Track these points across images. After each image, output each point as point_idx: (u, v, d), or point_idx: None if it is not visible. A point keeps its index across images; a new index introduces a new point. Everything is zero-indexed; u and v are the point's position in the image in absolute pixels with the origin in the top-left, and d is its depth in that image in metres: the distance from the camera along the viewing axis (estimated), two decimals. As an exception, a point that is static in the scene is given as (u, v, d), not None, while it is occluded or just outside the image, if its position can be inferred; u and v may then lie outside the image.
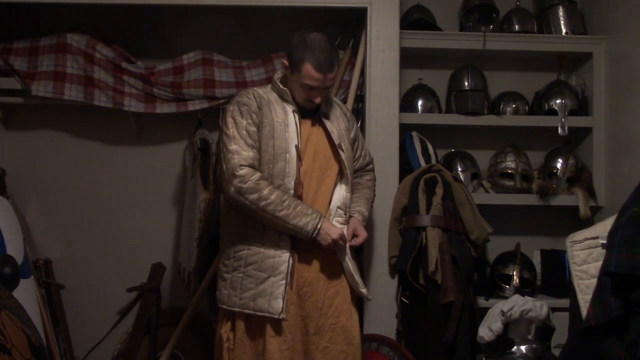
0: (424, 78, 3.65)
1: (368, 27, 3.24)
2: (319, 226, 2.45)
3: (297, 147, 2.50)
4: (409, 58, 3.48)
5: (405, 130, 3.39)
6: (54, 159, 3.62)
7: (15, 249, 2.84)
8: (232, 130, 2.49)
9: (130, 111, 3.40)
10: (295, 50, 2.47)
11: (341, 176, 2.64)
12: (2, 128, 3.59)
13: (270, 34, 3.64)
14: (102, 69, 3.36)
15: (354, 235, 2.65)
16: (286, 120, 2.53)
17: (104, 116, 3.54)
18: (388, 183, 3.17)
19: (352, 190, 2.72)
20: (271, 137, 2.49)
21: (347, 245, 2.59)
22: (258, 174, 2.46)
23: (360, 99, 3.36)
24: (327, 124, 2.62)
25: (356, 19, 3.42)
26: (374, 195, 2.89)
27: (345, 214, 2.64)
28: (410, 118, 3.46)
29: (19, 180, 3.53)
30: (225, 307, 2.54)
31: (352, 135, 2.76)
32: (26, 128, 3.62)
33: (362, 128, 3.26)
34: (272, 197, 2.42)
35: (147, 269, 3.46)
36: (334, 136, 2.61)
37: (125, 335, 3.42)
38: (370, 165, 2.92)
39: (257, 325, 2.49)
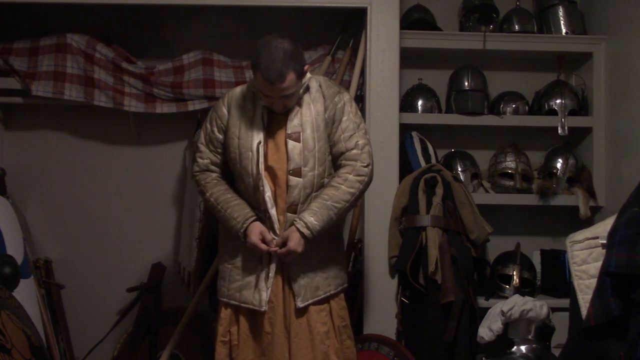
0: (424, 78, 3.65)
1: (368, 27, 3.24)
2: (242, 231, 2.42)
3: (259, 144, 2.41)
4: (409, 58, 3.48)
5: (405, 130, 3.40)
6: (53, 159, 3.62)
7: (15, 249, 2.84)
8: (200, 136, 2.61)
9: (130, 111, 3.40)
10: (255, 54, 2.34)
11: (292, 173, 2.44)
12: (2, 128, 3.59)
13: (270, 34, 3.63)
14: (102, 69, 3.37)
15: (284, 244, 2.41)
16: (253, 118, 2.47)
17: (104, 116, 3.54)
18: (388, 183, 3.17)
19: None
20: (235, 138, 2.47)
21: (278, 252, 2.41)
22: (211, 176, 2.56)
23: (360, 99, 3.36)
24: (293, 112, 2.45)
25: (356, 19, 3.42)
26: (352, 194, 2.43)
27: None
28: (410, 118, 3.46)
29: (19, 180, 3.53)
30: (219, 298, 2.56)
31: (327, 115, 2.46)
32: (26, 128, 3.62)
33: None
34: (212, 199, 2.53)
35: (147, 269, 3.47)
36: (289, 125, 2.44)
37: (125, 335, 3.42)
38: (353, 152, 2.46)
39: (260, 320, 2.49)
